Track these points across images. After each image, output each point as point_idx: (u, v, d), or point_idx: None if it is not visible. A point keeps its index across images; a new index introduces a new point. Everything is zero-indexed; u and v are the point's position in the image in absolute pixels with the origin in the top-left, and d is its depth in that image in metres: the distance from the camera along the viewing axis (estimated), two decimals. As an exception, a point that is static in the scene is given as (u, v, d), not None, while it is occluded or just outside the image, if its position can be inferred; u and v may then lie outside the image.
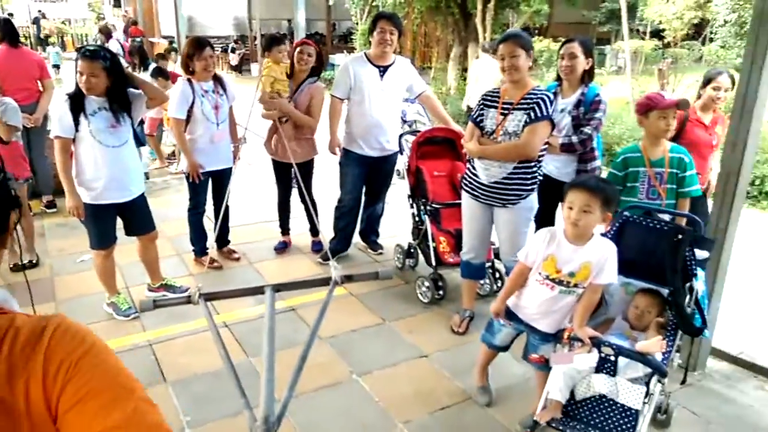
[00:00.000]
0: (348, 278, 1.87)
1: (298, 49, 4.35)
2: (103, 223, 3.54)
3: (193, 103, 4.02)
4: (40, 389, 0.81)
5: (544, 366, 2.60)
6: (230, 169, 4.29)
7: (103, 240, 3.58)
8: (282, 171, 4.63)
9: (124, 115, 3.41)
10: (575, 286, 2.42)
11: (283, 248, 4.85)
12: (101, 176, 3.40)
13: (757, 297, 4.04)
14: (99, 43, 14.23)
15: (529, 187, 3.18)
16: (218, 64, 4.33)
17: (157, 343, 3.44)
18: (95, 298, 3.86)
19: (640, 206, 2.88)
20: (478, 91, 8.28)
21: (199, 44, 4.01)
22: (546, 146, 3.20)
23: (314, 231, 4.79)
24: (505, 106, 3.14)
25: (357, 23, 13.50)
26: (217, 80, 4.18)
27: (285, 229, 4.90)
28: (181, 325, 3.60)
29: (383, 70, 4.19)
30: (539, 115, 3.01)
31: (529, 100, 3.06)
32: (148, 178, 6.42)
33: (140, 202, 3.64)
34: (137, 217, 3.68)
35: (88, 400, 0.81)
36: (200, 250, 4.54)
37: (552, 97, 3.09)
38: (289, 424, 2.71)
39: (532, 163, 3.14)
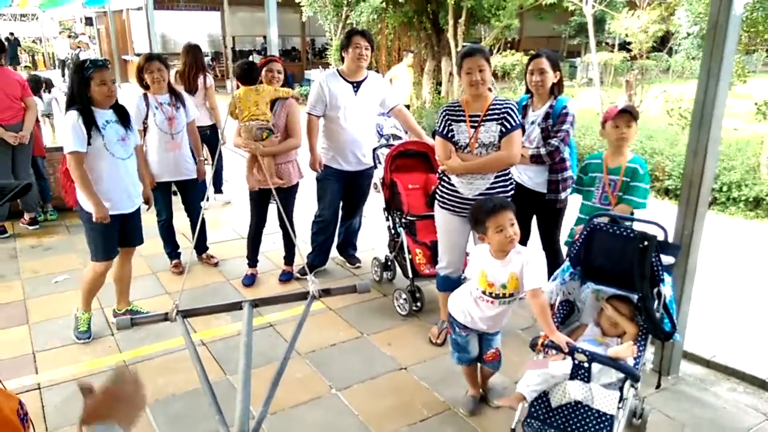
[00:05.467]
0: (326, 292, 1.89)
1: (265, 67, 4.21)
2: (110, 234, 3.57)
3: (147, 115, 4.28)
4: None
5: (496, 363, 2.89)
6: (194, 181, 4.53)
7: (108, 251, 3.60)
8: (262, 199, 4.37)
9: (130, 127, 3.56)
10: (511, 296, 2.63)
11: (251, 283, 4.51)
12: (115, 188, 3.47)
13: (729, 300, 4.11)
14: (73, 58, 14.08)
15: (510, 192, 3.32)
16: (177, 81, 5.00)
17: (134, 364, 3.40)
18: (70, 321, 3.78)
19: (609, 214, 2.95)
20: (396, 91, 9.54)
21: (147, 59, 4.30)
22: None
23: (290, 259, 4.61)
24: (473, 118, 3.20)
25: (331, 39, 13.59)
26: (175, 94, 4.40)
27: (254, 261, 4.60)
28: (158, 344, 3.57)
29: (357, 85, 4.24)
30: (514, 124, 3.15)
31: (497, 111, 3.15)
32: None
33: (138, 212, 3.74)
34: (131, 227, 3.71)
35: None
36: (171, 253, 4.77)
37: (516, 104, 3.25)
38: (269, 441, 2.70)
39: (506, 170, 3.30)
